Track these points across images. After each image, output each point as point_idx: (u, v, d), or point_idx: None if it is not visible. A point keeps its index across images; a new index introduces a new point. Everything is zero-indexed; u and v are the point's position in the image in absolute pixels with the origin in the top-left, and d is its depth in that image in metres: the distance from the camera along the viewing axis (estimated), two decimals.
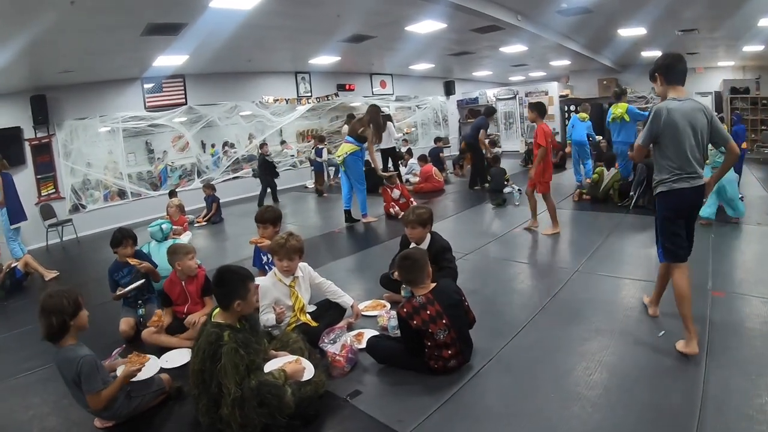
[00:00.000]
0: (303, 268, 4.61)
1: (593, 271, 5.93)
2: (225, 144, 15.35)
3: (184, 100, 13.88)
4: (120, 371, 3.53)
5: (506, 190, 11.07)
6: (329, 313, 4.58)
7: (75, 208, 12.20)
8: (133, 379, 3.52)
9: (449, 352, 3.64)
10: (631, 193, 9.07)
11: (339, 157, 9.55)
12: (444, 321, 3.60)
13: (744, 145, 11.98)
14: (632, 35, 13.06)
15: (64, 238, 11.55)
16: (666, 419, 3.04)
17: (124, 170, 13.21)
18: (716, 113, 13.01)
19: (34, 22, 6.98)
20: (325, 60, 14.46)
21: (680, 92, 3.93)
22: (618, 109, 10.00)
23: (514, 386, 3.57)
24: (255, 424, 3.01)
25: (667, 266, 4.27)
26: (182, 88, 13.79)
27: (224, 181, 14.28)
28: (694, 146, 3.84)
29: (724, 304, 4.68)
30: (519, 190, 10.28)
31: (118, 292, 5.07)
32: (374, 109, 9.84)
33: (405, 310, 3.63)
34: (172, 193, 11.31)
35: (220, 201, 11.91)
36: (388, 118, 14.34)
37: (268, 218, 5.40)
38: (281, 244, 4.36)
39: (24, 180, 11.09)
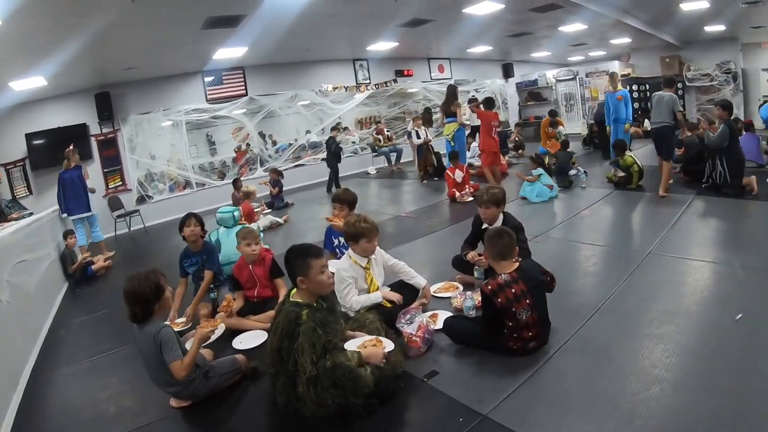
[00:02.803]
0: (376, 250, 4.63)
1: (666, 253, 5.76)
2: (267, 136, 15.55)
3: (244, 91, 14.06)
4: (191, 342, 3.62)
5: (572, 172, 10.89)
6: (402, 294, 4.55)
7: (141, 200, 12.58)
8: (214, 362, 3.70)
9: (530, 333, 3.60)
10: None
11: (448, 135, 11.05)
12: (528, 301, 3.55)
13: None
14: (695, 9, 12.56)
15: (132, 228, 11.85)
16: (747, 403, 2.94)
17: (188, 162, 13.51)
18: None
19: (96, 21, 7.15)
20: (382, 46, 14.41)
21: (665, 91, 8.37)
22: None
23: (592, 368, 3.50)
24: (329, 404, 3.04)
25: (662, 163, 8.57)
26: (242, 79, 13.96)
27: (286, 169, 14.36)
28: (664, 111, 8.28)
29: None
30: (585, 172, 10.23)
31: None
32: (452, 88, 11.56)
33: (490, 287, 3.58)
34: (237, 182, 11.46)
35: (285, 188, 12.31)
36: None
37: (346, 199, 5.50)
38: (371, 227, 4.45)
39: (91, 174, 11.43)
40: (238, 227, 6.39)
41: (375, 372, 3.22)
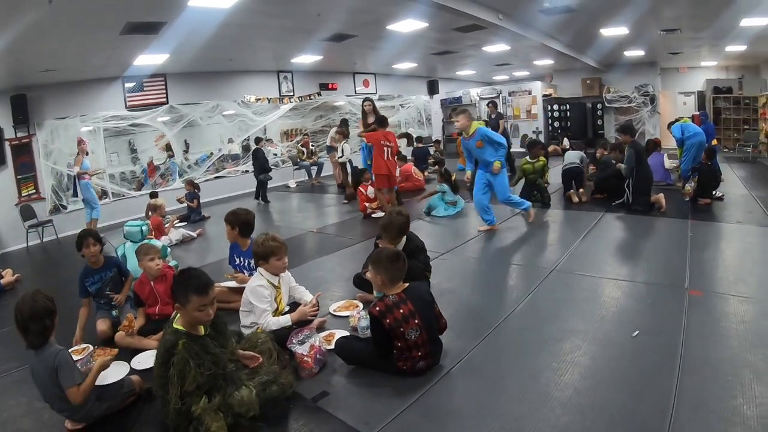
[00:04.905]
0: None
1: (570, 270, 5.92)
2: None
3: (165, 100, 13.75)
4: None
5: None
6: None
7: (56, 209, 12.01)
8: (105, 382, 3.54)
9: (419, 353, 3.62)
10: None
11: None
12: (416, 321, 3.58)
13: (714, 142, 12.36)
14: (615, 35, 13.00)
15: (44, 239, 11.40)
16: (637, 422, 3.00)
17: (106, 170, 13.04)
18: (699, 112, 13.10)
19: (12, 22, 6.92)
20: (307, 59, 14.38)
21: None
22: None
23: (483, 388, 3.54)
24: None
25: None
26: (163, 87, 13.66)
27: (207, 180, 14.28)
28: (574, 158, 9.22)
29: (701, 304, 4.65)
30: None
31: None
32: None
33: (377, 308, 3.59)
34: (154, 194, 11.22)
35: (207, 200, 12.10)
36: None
37: (226, 218, 5.47)
38: (280, 244, 4.44)
39: (4, 181, 11.01)
40: (147, 242, 6.29)
41: (261, 394, 3.21)
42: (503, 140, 7.90)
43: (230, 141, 15.68)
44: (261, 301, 4.26)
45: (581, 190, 9.87)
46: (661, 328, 4.19)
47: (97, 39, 8.96)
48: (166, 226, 9.18)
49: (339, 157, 13.39)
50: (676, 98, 20.21)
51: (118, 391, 3.63)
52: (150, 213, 9.18)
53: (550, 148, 13.53)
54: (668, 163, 11.02)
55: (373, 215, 9.67)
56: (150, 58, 11.29)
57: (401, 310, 3.56)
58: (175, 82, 13.79)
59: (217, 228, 10.24)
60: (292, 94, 16.62)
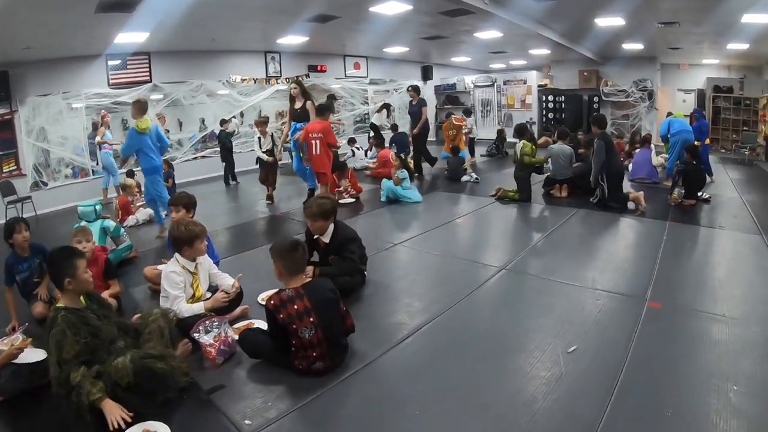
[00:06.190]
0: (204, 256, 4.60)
1: (521, 270, 5.65)
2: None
3: (148, 78, 13.55)
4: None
5: (464, 178, 11.03)
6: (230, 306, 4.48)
7: (36, 186, 11.92)
8: (18, 361, 3.53)
9: (314, 353, 3.46)
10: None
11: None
12: (311, 319, 3.41)
13: (707, 141, 11.92)
14: (610, 25, 12.66)
15: (23, 215, 11.25)
16: None
17: (87, 148, 12.88)
18: (697, 110, 12.76)
19: None
20: (293, 40, 14.16)
21: (561, 143, 8.73)
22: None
23: (382, 397, 3.34)
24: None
25: None
26: (147, 65, 13.47)
27: (186, 161, 14.27)
28: (565, 164, 9.02)
29: (659, 319, 4.25)
30: (477, 179, 10.31)
31: None
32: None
33: (272, 302, 3.45)
34: (130, 173, 11.12)
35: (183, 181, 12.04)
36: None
37: (180, 201, 5.56)
38: (202, 227, 4.46)
39: None
40: (101, 221, 6.41)
41: (138, 362, 3.19)
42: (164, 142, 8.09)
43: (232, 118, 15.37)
44: (173, 287, 4.19)
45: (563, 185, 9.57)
46: (604, 345, 3.82)
47: (71, 17, 8.85)
48: (133, 206, 9.11)
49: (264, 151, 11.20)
50: (675, 95, 19.90)
51: (33, 367, 3.62)
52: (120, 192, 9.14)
53: (542, 140, 13.28)
54: (656, 160, 10.83)
55: (340, 201, 9.38)
56: (130, 36, 11.11)
57: (296, 306, 3.41)
58: (159, 60, 13.60)
59: None
60: (279, 75, 16.36)
